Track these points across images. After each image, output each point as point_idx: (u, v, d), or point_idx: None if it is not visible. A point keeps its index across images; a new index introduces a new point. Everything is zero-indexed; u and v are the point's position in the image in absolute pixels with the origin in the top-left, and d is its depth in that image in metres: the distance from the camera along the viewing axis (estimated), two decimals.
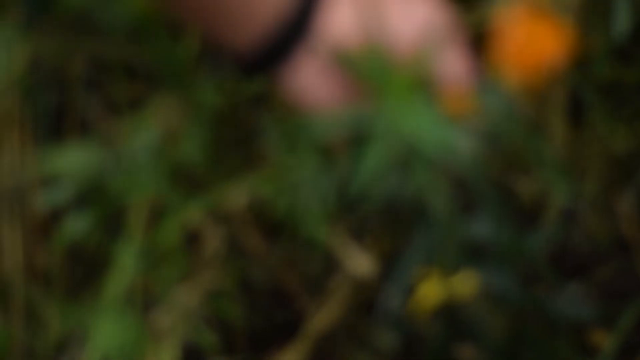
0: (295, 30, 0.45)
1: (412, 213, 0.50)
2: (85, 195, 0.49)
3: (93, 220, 0.50)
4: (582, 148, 0.60)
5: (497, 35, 0.48)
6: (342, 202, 0.48)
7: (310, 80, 0.47)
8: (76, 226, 0.50)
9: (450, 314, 0.54)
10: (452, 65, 0.48)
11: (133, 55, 0.54)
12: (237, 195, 0.51)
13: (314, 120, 0.46)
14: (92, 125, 0.55)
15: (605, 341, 0.61)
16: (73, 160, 0.48)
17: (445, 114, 0.47)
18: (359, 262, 0.55)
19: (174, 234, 0.50)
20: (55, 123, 0.58)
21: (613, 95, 0.65)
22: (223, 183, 0.51)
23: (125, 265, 0.50)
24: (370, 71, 0.45)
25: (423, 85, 0.46)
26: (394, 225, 0.54)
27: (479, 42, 0.49)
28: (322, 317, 0.57)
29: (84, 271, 0.57)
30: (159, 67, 0.49)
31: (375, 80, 0.46)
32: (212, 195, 0.51)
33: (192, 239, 0.55)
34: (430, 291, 0.55)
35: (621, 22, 0.59)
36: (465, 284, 0.54)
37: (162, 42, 0.48)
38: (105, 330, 0.50)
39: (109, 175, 0.48)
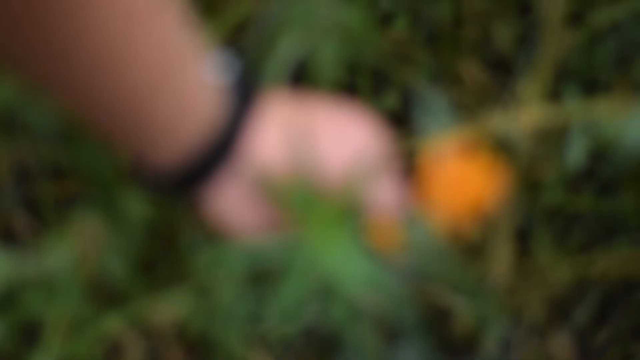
0: (219, 151, 0.44)
1: (334, 341, 0.49)
2: (1, 303, 0.47)
3: (7, 329, 0.48)
4: (524, 278, 0.59)
5: (427, 168, 0.48)
6: (262, 327, 0.47)
7: (233, 204, 0.45)
8: None
9: None
10: (383, 195, 0.47)
11: (60, 159, 0.53)
12: (161, 309, 0.50)
13: (233, 247, 0.45)
14: (16, 230, 0.54)
15: None
16: None
17: (372, 246, 0.46)
18: None
19: (90, 347, 0.49)
20: None
21: (560, 225, 0.64)
22: (147, 296, 0.50)
23: None
24: (294, 200, 0.44)
25: (350, 215, 0.45)
26: (318, 350, 0.53)
27: (412, 172, 0.48)
28: None
29: None
30: (85, 175, 0.48)
31: (298, 210, 0.45)
32: (135, 309, 0.50)
33: (114, 352, 0.54)
34: None
35: (575, 151, 0.59)
36: None
37: (88, 149, 0.48)
38: None
39: (27, 285, 0.47)
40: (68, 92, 0.37)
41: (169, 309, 0.50)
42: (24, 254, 0.47)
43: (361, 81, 0.59)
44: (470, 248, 0.60)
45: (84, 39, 0.34)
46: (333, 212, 0.45)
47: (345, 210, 0.45)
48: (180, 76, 0.41)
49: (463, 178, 0.48)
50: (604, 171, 0.55)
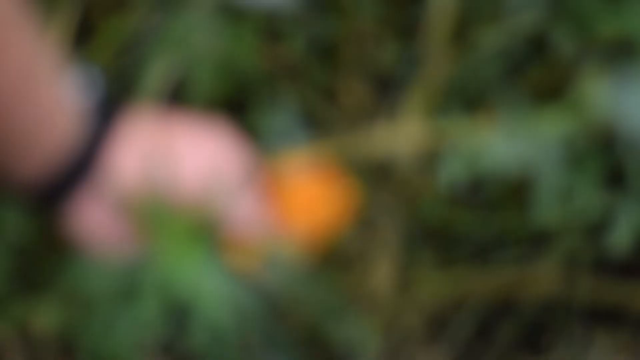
0: (77, 168, 0.45)
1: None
2: None
3: None
4: (402, 294, 0.60)
5: (284, 187, 0.48)
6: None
7: (92, 220, 0.46)
8: None
9: None
10: (241, 212, 0.47)
11: None
12: (38, 318, 0.50)
13: (85, 266, 0.45)
14: None
15: None
16: None
17: (229, 262, 0.47)
18: None
19: None
20: None
21: (441, 242, 0.65)
22: (24, 304, 0.50)
23: None
24: (147, 216, 0.45)
25: (205, 232, 0.46)
26: None
27: (272, 188, 0.49)
28: None
29: None
30: None
31: (151, 226, 0.45)
32: (13, 315, 0.49)
33: None
34: None
35: (450, 169, 0.60)
36: None
37: None
38: None
39: None
40: None
41: (44, 317, 0.49)
42: None
43: (246, 99, 0.59)
44: (347, 262, 0.61)
45: None
46: (186, 229, 0.45)
47: (199, 227, 0.45)
48: (36, 92, 0.42)
49: (316, 199, 0.48)
50: (485, 188, 0.55)
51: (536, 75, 0.64)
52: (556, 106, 0.56)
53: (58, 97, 0.43)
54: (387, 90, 0.67)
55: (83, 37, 0.55)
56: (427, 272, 0.61)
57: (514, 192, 0.62)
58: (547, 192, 0.54)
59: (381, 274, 0.61)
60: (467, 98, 0.65)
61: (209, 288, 0.44)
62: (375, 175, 0.65)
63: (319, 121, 0.66)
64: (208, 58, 0.51)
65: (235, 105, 0.60)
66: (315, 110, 0.61)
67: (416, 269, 0.61)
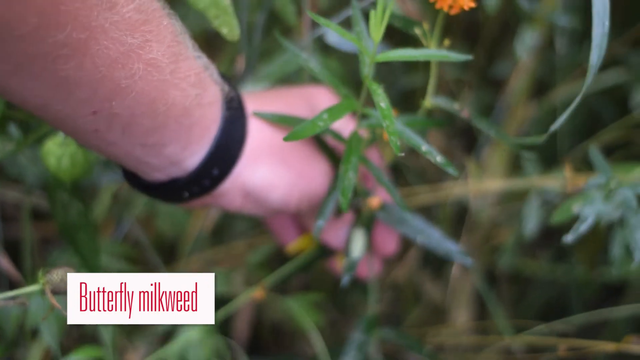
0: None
1: None
2: None
3: None
4: (482, 340, 0.62)
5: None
6: None
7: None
8: None
9: None
10: None
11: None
12: None
13: None
14: None
15: None
16: None
17: None
18: None
19: None
20: None
21: (517, 288, 0.67)
22: None
23: None
24: None
25: None
26: None
27: None
28: None
29: None
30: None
31: None
32: None
33: None
34: None
35: (531, 220, 0.62)
36: None
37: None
38: None
39: None
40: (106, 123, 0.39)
41: None
42: None
43: None
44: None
45: (133, 84, 0.38)
46: None
47: None
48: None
49: None
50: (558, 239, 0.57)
51: (614, 131, 0.66)
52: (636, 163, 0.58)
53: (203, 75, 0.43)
54: (471, 142, 0.69)
55: None
56: (503, 320, 0.63)
57: (586, 242, 0.65)
58: (626, 239, 0.55)
59: (461, 319, 0.63)
60: (546, 151, 0.68)
61: None
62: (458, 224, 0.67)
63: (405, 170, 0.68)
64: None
65: None
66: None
67: (494, 315, 0.63)
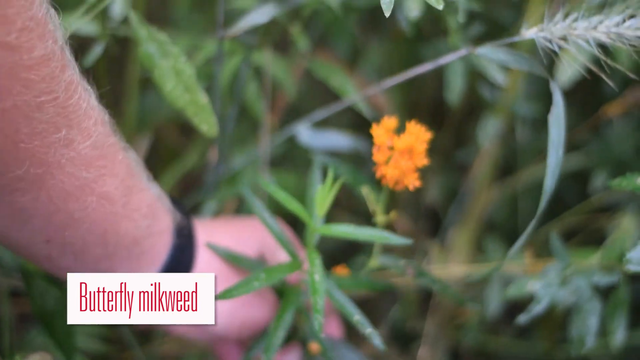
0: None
1: None
2: None
3: None
4: None
5: None
6: None
7: None
8: None
9: None
10: None
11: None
12: None
13: None
14: None
15: None
16: None
17: None
18: None
19: None
20: None
21: None
22: None
23: None
24: None
25: None
26: None
27: None
28: None
29: None
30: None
31: None
32: None
33: None
34: None
35: (494, 299, 0.64)
36: None
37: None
38: None
39: None
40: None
41: None
42: None
43: None
44: None
45: (86, 216, 0.40)
46: None
47: None
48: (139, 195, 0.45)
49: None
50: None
51: (574, 215, 0.68)
52: (592, 249, 0.60)
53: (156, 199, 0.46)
54: (436, 224, 0.72)
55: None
56: None
57: (546, 319, 0.67)
58: (581, 324, 0.57)
59: None
60: (508, 232, 0.70)
61: None
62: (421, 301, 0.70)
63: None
64: None
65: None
66: None
67: None
